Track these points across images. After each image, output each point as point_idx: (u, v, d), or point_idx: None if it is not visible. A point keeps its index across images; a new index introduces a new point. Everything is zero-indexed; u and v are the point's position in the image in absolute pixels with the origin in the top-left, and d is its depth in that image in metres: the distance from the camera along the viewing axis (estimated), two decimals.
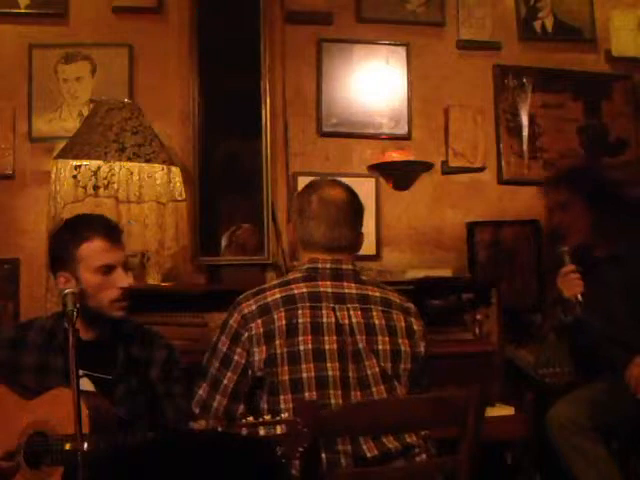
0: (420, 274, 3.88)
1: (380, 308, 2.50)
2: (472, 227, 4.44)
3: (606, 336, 3.41)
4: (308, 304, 2.42)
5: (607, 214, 3.51)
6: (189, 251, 3.94)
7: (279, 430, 1.98)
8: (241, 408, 2.41)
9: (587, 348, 3.54)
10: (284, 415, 2.03)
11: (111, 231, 2.59)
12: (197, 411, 2.45)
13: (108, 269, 2.53)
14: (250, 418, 2.04)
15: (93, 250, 2.53)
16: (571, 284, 3.42)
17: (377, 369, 2.40)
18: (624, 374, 3.22)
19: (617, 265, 3.48)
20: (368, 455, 2.28)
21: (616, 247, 3.51)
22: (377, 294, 2.53)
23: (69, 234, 2.59)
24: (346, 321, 2.42)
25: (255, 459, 1.98)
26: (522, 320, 4.25)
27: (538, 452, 3.51)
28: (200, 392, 2.46)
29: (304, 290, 2.45)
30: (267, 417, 2.03)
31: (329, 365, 2.35)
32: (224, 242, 4.01)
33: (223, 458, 1.96)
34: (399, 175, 4.29)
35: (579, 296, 3.38)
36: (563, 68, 4.68)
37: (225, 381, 2.41)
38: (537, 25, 4.67)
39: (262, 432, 1.99)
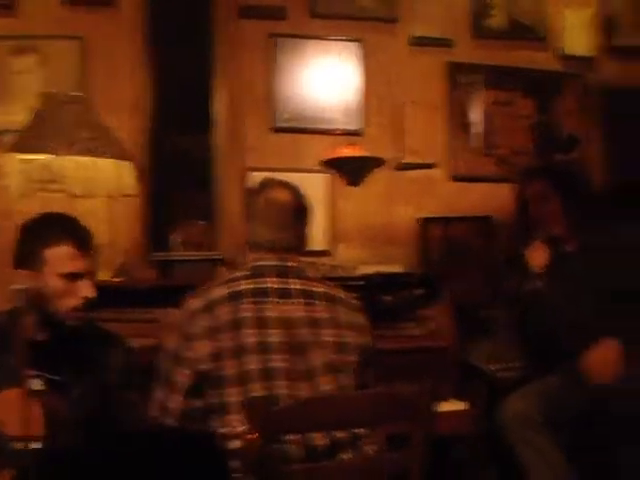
0: (372, 270, 3.89)
1: (324, 303, 2.52)
2: (424, 223, 4.46)
3: (566, 316, 3.49)
4: (253, 299, 2.43)
5: (579, 208, 3.61)
6: (140, 246, 3.92)
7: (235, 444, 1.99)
8: (198, 403, 2.39)
9: (540, 335, 3.61)
10: (240, 429, 2.03)
11: (82, 237, 2.50)
12: (157, 415, 2.44)
13: (73, 276, 2.46)
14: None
15: (61, 255, 2.45)
16: (538, 256, 3.61)
17: (323, 360, 2.42)
18: (579, 362, 3.27)
19: (584, 256, 3.56)
20: (317, 444, 2.29)
21: (585, 240, 3.59)
22: (321, 289, 2.56)
23: (39, 233, 2.51)
24: (291, 315, 2.44)
25: (192, 451, 1.98)
26: (474, 315, 4.28)
27: (489, 446, 3.54)
28: (157, 395, 2.45)
29: (249, 286, 2.47)
30: (223, 430, 2.04)
31: (275, 357, 2.36)
32: (176, 238, 3.98)
33: (159, 452, 1.95)
34: (352, 171, 4.29)
35: (541, 269, 3.58)
36: (515, 66, 4.72)
37: (179, 378, 2.40)
38: (490, 22, 4.70)
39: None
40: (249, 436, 1.98)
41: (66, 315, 2.48)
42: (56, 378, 2.45)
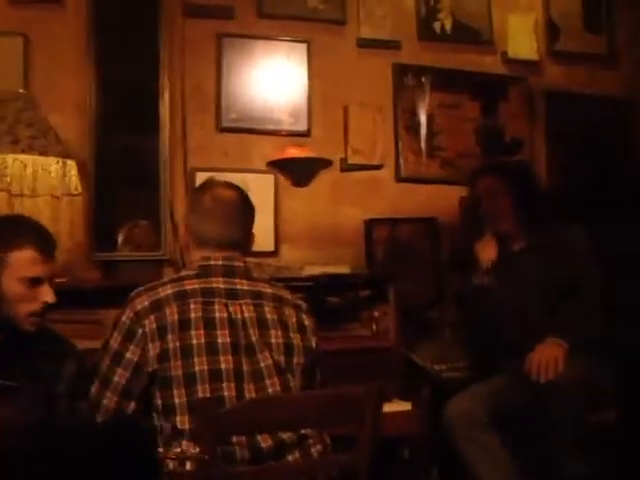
0: (318, 270, 3.89)
1: (272, 304, 2.53)
2: (370, 224, 4.47)
3: (513, 310, 3.54)
4: (200, 299, 2.43)
5: (528, 207, 3.67)
6: (84, 246, 3.87)
7: (188, 466, 1.98)
8: (132, 405, 2.39)
9: (486, 332, 3.66)
10: (193, 451, 2.02)
11: (46, 242, 2.47)
12: (87, 407, 2.43)
13: (34, 281, 2.42)
14: (160, 450, 2.03)
15: (23, 260, 2.41)
16: (488, 250, 3.66)
17: (270, 362, 2.42)
18: (524, 362, 3.31)
19: (531, 255, 3.63)
20: (263, 446, 2.29)
21: (532, 238, 3.65)
22: (269, 290, 2.57)
23: (2, 235, 2.45)
24: (239, 315, 2.44)
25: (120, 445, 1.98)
26: (419, 316, 4.31)
27: (435, 447, 3.56)
28: (92, 389, 2.44)
29: (196, 286, 2.46)
30: (177, 450, 2.02)
31: (222, 358, 2.36)
32: (121, 238, 3.94)
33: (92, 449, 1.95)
34: (298, 171, 4.30)
35: (490, 264, 3.62)
36: (461, 68, 4.76)
37: (116, 378, 2.38)
38: (436, 25, 4.74)
39: (171, 466, 1.98)
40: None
41: (24, 320, 2.44)
42: (5, 383, 2.41)
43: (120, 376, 2.38)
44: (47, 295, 2.45)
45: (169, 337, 2.35)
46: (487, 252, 3.67)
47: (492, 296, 3.61)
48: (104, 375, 2.41)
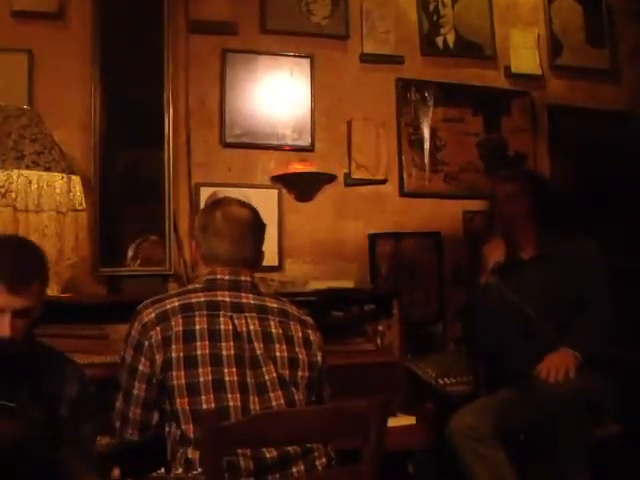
0: (322, 285, 3.89)
1: (277, 318, 2.55)
2: (374, 238, 4.47)
3: (516, 311, 3.58)
4: (205, 312, 2.45)
5: (545, 215, 3.72)
6: (89, 261, 3.88)
7: None
8: (156, 416, 2.44)
9: (490, 339, 3.68)
10: (197, 472, 2.03)
11: (13, 276, 2.32)
12: (118, 424, 2.48)
13: None
14: (161, 471, 2.04)
15: None
16: (496, 251, 3.71)
17: (275, 375, 2.44)
18: (530, 376, 3.31)
19: (540, 265, 3.66)
20: (267, 457, 2.29)
21: (543, 249, 3.68)
22: (275, 305, 2.58)
23: None
24: (244, 329, 2.46)
25: None
26: (423, 330, 4.31)
27: (439, 461, 3.55)
28: (117, 404, 2.49)
29: (202, 299, 2.48)
30: (179, 471, 2.03)
31: (226, 370, 2.38)
32: (130, 253, 3.94)
33: None
34: (302, 186, 4.29)
35: (497, 264, 3.68)
36: (464, 83, 4.78)
37: (135, 391, 2.43)
38: (439, 40, 4.76)
39: None
40: None
41: None
42: (4, 403, 2.37)
43: (138, 389, 2.42)
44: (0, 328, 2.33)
45: (173, 347, 2.38)
46: (495, 253, 3.70)
47: (496, 294, 3.62)
48: (125, 390, 2.46)
